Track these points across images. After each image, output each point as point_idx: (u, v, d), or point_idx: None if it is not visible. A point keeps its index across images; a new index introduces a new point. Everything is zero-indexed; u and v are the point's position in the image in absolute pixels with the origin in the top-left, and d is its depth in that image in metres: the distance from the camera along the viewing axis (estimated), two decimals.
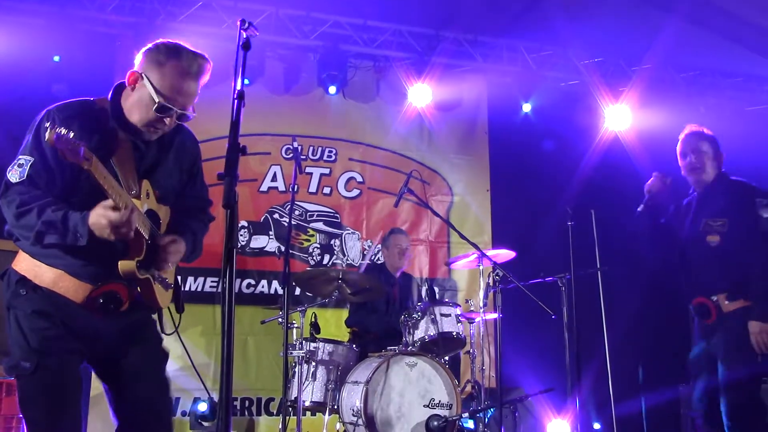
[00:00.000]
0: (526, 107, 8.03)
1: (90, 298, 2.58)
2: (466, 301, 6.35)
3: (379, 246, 7.14)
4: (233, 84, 2.24)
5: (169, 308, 2.87)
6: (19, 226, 2.50)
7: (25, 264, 2.60)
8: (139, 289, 2.66)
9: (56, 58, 6.45)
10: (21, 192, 2.49)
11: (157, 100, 2.59)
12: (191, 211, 2.96)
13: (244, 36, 2.32)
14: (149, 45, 2.70)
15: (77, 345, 2.60)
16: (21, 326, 2.55)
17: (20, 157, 2.55)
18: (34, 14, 6.49)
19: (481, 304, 5.68)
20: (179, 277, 2.92)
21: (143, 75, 2.62)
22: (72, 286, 2.58)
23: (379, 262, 6.96)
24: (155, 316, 2.85)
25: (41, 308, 2.54)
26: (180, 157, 2.89)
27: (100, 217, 2.42)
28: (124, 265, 2.55)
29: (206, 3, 6.92)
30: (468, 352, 5.77)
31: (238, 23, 2.32)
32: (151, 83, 2.60)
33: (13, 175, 2.52)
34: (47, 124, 2.40)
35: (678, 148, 4.35)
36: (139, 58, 2.68)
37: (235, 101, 2.14)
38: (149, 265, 2.65)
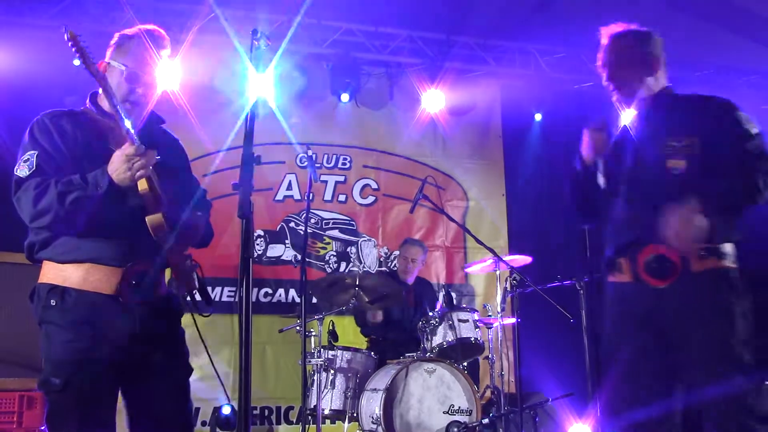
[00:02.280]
0: (538, 117, 8.02)
1: (122, 283, 2.59)
2: (484, 306, 6.33)
3: (397, 252, 7.14)
4: (247, 92, 2.25)
5: (195, 304, 2.86)
6: (39, 210, 2.50)
7: (51, 273, 2.61)
8: (169, 263, 2.68)
9: (76, 62, 6.50)
10: (35, 180, 2.53)
11: (123, 69, 2.71)
12: (190, 195, 2.97)
13: (257, 46, 2.33)
14: None
15: (110, 356, 2.59)
16: (52, 341, 2.56)
17: (22, 155, 2.60)
18: (49, 29, 6.56)
19: (499, 309, 5.65)
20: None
21: (109, 62, 2.77)
22: (102, 276, 2.59)
23: (394, 268, 6.95)
24: (186, 322, 2.84)
25: (74, 317, 2.55)
26: (170, 152, 2.93)
27: (117, 157, 2.48)
28: (153, 219, 2.58)
29: (218, 14, 6.95)
30: (486, 357, 5.74)
31: (251, 33, 2.33)
32: (117, 62, 2.75)
33: (22, 170, 2.56)
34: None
35: (601, 57, 3.31)
36: (108, 53, 2.82)
37: (249, 111, 2.15)
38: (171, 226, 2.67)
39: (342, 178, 7.69)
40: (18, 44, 6.39)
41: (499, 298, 5.68)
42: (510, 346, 5.97)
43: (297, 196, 7.48)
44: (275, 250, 7.30)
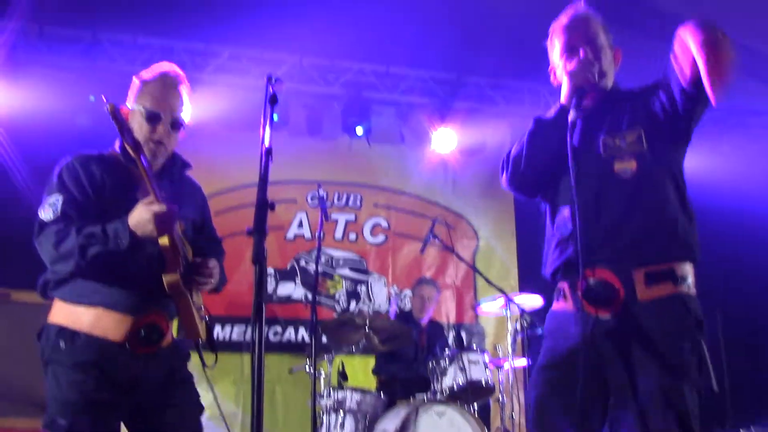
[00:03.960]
0: None
1: (131, 332, 2.59)
2: (494, 347, 6.28)
3: (408, 292, 7.12)
4: (261, 138, 2.27)
5: (200, 353, 2.87)
6: (60, 255, 2.51)
7: (62, 313, 2.62)
8: (179, 314, 2.68)
9: (92, 98, 6.62)
10: (58, 226, 2.54)
11: (143, 110, 2.74)
12: (208, 247, 3.00)
13: (271, 91, 2.35)
14: None
15: (116, 399, 2.58)
16: (59, 381, 2.55)
17: (48, 198, 2.61)
18: (66, 69, 6.68)
19: (510, 350, 5.61)
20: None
21: (131, 106, 2.80)
22: (112, 322, 2.59)
23: (407, 309, 6.93)
24: (192, 365, 2.84)
25: (81, 359, 2.55)
26: (192, 199, 2.98)
27: (142, 211, 2.48)
28: (169, 278, 2.58)
29: (233, 54, 7.07)
30: (497, 399, 5.68)
31: (266, 79, 2.36)
32: (137, 105, 2.78)
33: (46, 213, 2.58)
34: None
35: (559, 39, 2.72)
36: (129, 99, 2.85)
37: (263, 156, 2.16)
38: (187, 285, 2.68)
39: (353, 217, 7.70)
40: (38, 84, 6.50)
41: (509, 339, 5.64)
42: (521, 387, 5.90)
43: (308, 235, 7.50)
44: (285, 289, 7.29)
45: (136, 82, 2.86)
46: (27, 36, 6.60)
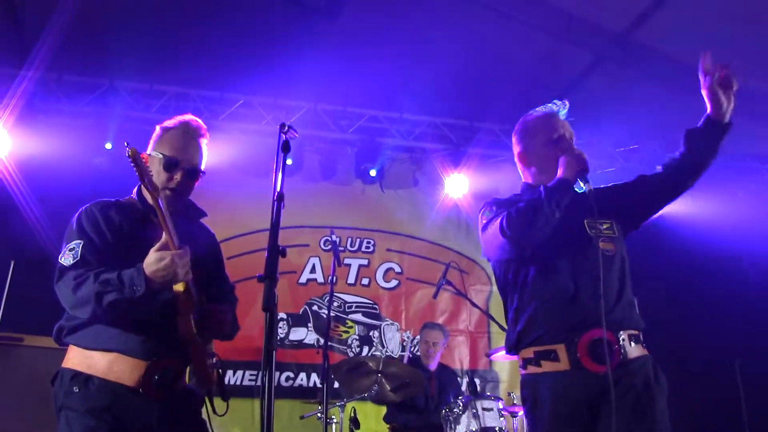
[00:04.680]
0: None
1: (146, 377, 2.59)
2: (509, 394, 6.19)
3: (418, 337, 7.07)
4: (273, 184, 2.29)
5: (211, 400, 2.86)
6: (78, 300, 2.52)
7: (76, 359, 2.63)
8: (192, 361, 2.68)
9: (108, 146, 6.71)
10: (77, 272, 2.55)
11: (161, 158, 2.78)
12: (221, 294, 3.00)
13: (284, 138, 2.39)
14: None
15: None
16: (71, 426, 2.54)
17: (68, 244, 2.63)
18: (83, 115, 6.80)
19: None
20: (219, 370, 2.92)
21: (150, 153, 2.84)
22: (127, 367, 2.59)
23: (418, 353, 6.87)
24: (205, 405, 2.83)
25: (94, 405, 2.54)
26: (206, 246, 2.99)
27: (159, 258, 2.48)
28: (183, 325, 2.61)
29: (247, 101, 7.17)
30: None
31: (279, 127, 2.40)
32: (157, 152, 2.82)
33: (66, 259, 2.59)
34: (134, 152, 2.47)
35: (549, 124, 3.13)
36: (149, 146, 2.90)
37: (275, 202, 2.18)
38: (200, 332, 2.68)
39: (365, 262, 7.70)
40: (55, 130, 6.62)
41: None
42: None
43: (320, 279, 7.49)
44: (298, 334, 7.27)
45: (157, 130, 2.90)
46: (46, 83, 6.74)
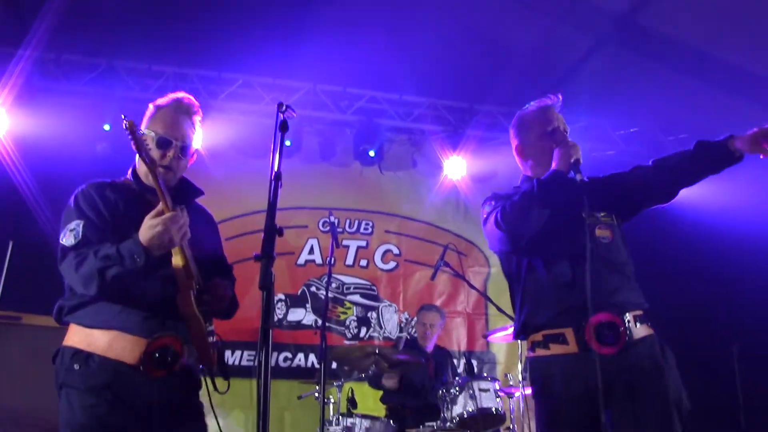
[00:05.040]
0: None
1: (146, 354, 2.60)
2: (505, 375, 6.24)
3: (414, 320, 7.10)
4: (271, 164, 2.29)
5: (212, 380, 2.87)
6: (81, 277, 2.54)
7: (77, 337, 2.64)
8: (192, 339, 2.69)
9: (106, 127, 6.69)
10: (79, 251, 2.57)
11: (154, 135, 2.78)
12: (219, 271, 3.01)
13: (282, 118, 2.38)
14: None
15: (128, 423, 2.58)
16: (72, 405, 2.56)
17: (68, 225, 2.64)
18: (84, 95, 6.77)
19: (521, 378, 5.57)
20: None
21: (144, 131, 2.84)
22: (127, 345, 2.60)
23: (414, 335, 6.89)
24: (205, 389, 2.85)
25: (95, 382, 2.56)
26: (203, 226, 2.99)
27: (153, 224, 2.50)
28: (183, 301, 2.63)
29: (246, 81, 7.14)
30: (508, 428, 5.62)
31: (276, 106, 2.39)
32: (150, 130, 2.82)
33: (68, 239, 2.61)
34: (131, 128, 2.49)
35: (544, 117, 3.23)
36: (142, 124, 2.89)
37: (273, 182, 2.18)
38: (201, 308, 2.70)
39: (364, 243, 7.71)
40: (54, 110, 6.59)
41: (520, 367, 5.60)
42: (532, 416, 5.83)
43: (319, 261, 7.51)
44: (296, 315, 7.29)
45: (150, 108, 2.90)
46: (44, 63, 6.71)
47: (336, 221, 5.40)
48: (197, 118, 2.92)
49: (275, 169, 2.24)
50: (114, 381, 2.57)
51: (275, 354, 7.08)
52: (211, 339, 2.79)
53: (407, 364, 5.59)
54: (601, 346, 2.81)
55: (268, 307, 1.93)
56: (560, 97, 3.25)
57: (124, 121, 2.44)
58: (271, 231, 2.02)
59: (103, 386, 2.56)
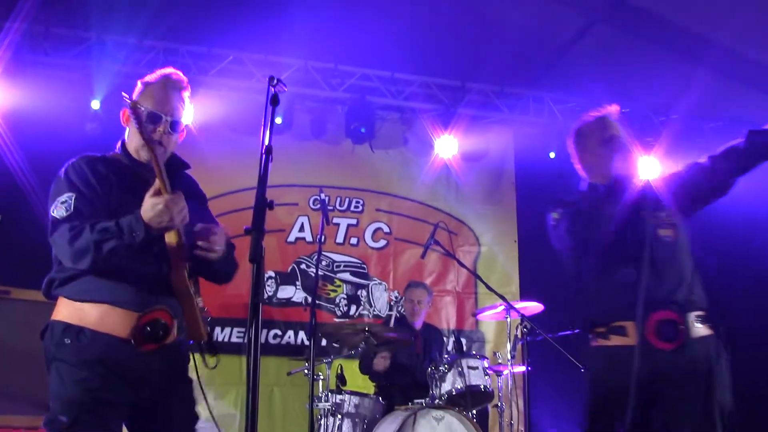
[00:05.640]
0: (552, 155, 7.97)
1: (136, 328, 2.61)
2: (494, 354, 6.27)
3: (402, 298, 7.11)
4: (261, 138, 2.28)
5: (202, 356, 2.87)
6: (75, 251, 2.53)
7: (66, 311, 2.63)
8: (183, 313, 2.70)
9: (95, 105, 6.63)
10: (71, 223, 2.56)
11: (144, 111, 2.74)
12: None
13: (273, 92, 2.37)
14: None
15: (119, 397, 2.59)
16: (63, 379, 2.56)
17: (60, 197, 2.63)
18: (71, 68, 6.70)
19: (509, 357, 5.60)
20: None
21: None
22: (118, 319, 2.60)
23: (403, 312, 6.92)
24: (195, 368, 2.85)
25: (86, 356, 2.56)
26: (191, 197, 2.93)
27: (155, 203, 2.49)
28: (176, 276, 2.65)
29: (237, 57, 7.08)
30: (496, 405, 5.67)
31: (267, 80, 2.38)
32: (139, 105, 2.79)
33: (59, 211, 2.60)
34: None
35: (602, 126, 3.43)
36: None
37: (263, 156, 2.17)
38: (193, 281, 2.72)
39: (354, 221, 7.71)
40: (42, 84, 6.52)
41: (509, 346, 5.63)
42: (520, 394, 5.88)
43: (309, 238, 7.50)
44: (285, 292, 7.29)
45: (139, 85, 2.88)
46: (32, 37, 6.63)
47: (326, 199, 5.39)
48: (186, 94, 2.90)
49: (266, 143, 2.22)
50: (105, 354, 2.57)
51: (265, 331, 7.09)
52: (201, 314, 2.79)
53: (396, 342, 5.62)
54: (660, 341, 3.00)
55: (258, 281, 1.92)
56: (616, 107, 3.49)
57: (129, 101, 2.43)
58: (262, 204, 2.01)
59: (94, 360, 2.56)
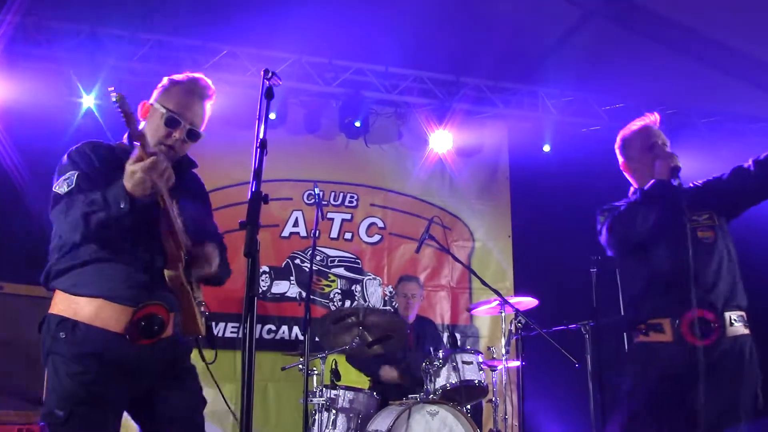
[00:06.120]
0: (546, 147, 7.96)
1: (131, 323, 2.59)
2: (488, 349, 6.26)
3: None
4: (256, 132, 2.27)
5: (200, 351, 2.88)
6: (68, 224, 2.53)
7: (62, 304, 2.62)
8: (180, 308, 2.69)
9: (87, 101, 6.59)
10: (71, 198, 2.55)
11: (164, 112, 2.72)
12: (210, 240, 2.98)
13: (267, 85, 2.36)
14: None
15: (116, 390, 2.59)
16: (58, 373, 2.55)
17: (63, 175, 2.62)
18: (64, 61, 6.65)
19: (504, 352, 5.61)
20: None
21: (153, 103, 2.78)
22: (113, 314, 2.59)
23: (396, 306, 6.91)
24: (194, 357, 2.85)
25: (81, 350, 2.55)
26: (194, 196, 2.98)
27: (133, 171, 2.43)
28: (171, 272, 2.62)
29: (231, 51, 7.05)
30: (490, 400, 5.67)
31: (262, 73, 2.36)
32: (160, 104, 2.76)
33: (61, 187, 2.59)
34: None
35: (644, 134, 3.62)
36: (153, 95, 2.84)
37: (258, 149, 2.16)
38: (188, 276, 2.70)
39: (348, 216, 7.70)
40: (35, 77, 6.48)
41: (503, 341, 5.64)
42: (514, 389, 5.91)
43: (303, 233, 7.49)
44: (280, 287, 7.28)
45: (164, 80, 2.84)
46: (25, 29, 6.58)
47: (321, 194, 5.36)
48: (209, 104, 2.86)
49: (260, 136, 2.21)
50: (100, 349, 2.56)
51: (259, 326, 7.08)
52: (199, 309, 2.78)
53: (391, 336, 5.61)
54: (694, 338, 3.19)
55: (253, 275, 1.91)
56: (657, 115, 3.68)
57: (115, 95, 2.37)
58: (257, 198, 2.00)
59: (89, 354, 2.55)
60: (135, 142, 2.48)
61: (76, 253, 2.60)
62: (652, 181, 3.40)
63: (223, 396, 3.05)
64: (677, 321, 3.24)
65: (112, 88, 2.39)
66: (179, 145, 2.76)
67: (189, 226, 2.76)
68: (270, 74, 2.37)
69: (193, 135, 2.79)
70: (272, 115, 7.00)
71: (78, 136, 6.02)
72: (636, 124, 3.70)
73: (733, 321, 3.22)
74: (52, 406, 2.51)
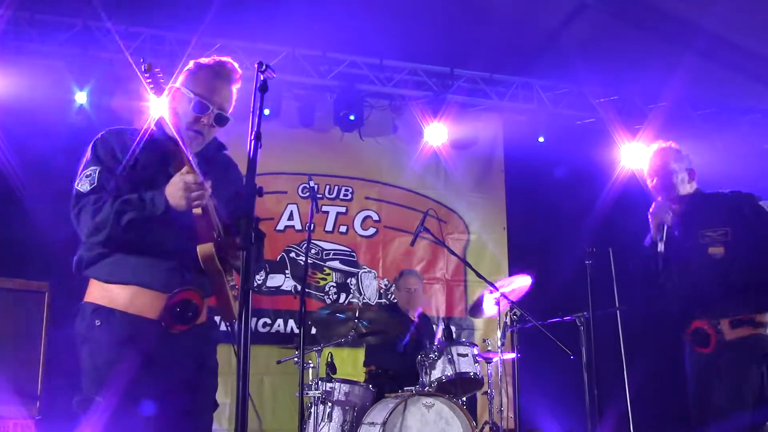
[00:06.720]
0: (541, 139, 7.95)
1: (166, 308, 2.60)
2: (484, 341, 6.28)
3: (393, 286, 7.10)
4: (250, 123, 2.26)
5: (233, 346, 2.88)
6: (96, 224, 2.52)
7: (97, 293, 2.63)
8: (213, 291, 2.69)
9: (81, 99, 6.55)
10: (96, 196, 2.55)
11: (192, 96, 2.70)
12: None
13: (262, 78, 2.35)
14: None
15: (150, 377, 2.58)
16: (94, 360, 2.57)
17: (85, 170, 2.61)
18: (56, 56, 6.62)
19: (499, 344, 5.61)
20: None
21: (180, 87, 2.76)
22: (147, 300, 2.60)
23: (394, 300, 6.91)
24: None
25: (117, 338, 2.56)
26: (227, 178, 2.95)
27: (176, 182, 2.48)
28: (203, 249, 2.60)
29: (225, 44, 7.02)
30: (485, 392, 5.68)
31: (256, 66, 2.35)
32: (187, 89, 2.74)
33: (83, 185, 2.58)
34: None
35: (649, 160, 3.99)
36: (179, 79, 2.81)
37: (252, 142, 2.15)
38: (222, 262, 2.69)
39: (343, 209, 7.69)
40: (28, 71, 6.44)
41: (499, 333, 5.64)
42: (509, 381, 5.91)
43: (298, 227, 7.48)
44: (275, 280, 7.27)
45: (190, 64, 2.81)
46: (18, 23, 6.54)
47: (315, 187, 5.34)
48: (236, 88, 2.83)
49: (255, 129, 2.20)
50: (136, 336, 2.58)
51: (254, 319, 7.08)
52: (233, 293, 2.78)
53: (386, 330, 5.62)
54: (697, 347, 3.67)
55: (247, 267, 1.91)
56: (672, 144, 3.98)
57: (143, 65, 2.39)
58: (251, 190, 1.99)
59: (125, 341, 2.56)
60: (186, 155, 2.50)
61: (107, 242, 2.59)
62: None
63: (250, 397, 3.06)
64: (683, 332, 3.79)
65: (142, 60, 2.38)
66: (207, 130, 2.75)
67: (221, 210, 2.75)
68: (264, 67, 2.36)
69: (221, 119, 2.77)
70: (266, 112, 6.97)
71: (70, 130, 6.02)
72: (651, 149, 4.03)
73: (731, 327, 3.60)
74: (88, 392, 2.54)
